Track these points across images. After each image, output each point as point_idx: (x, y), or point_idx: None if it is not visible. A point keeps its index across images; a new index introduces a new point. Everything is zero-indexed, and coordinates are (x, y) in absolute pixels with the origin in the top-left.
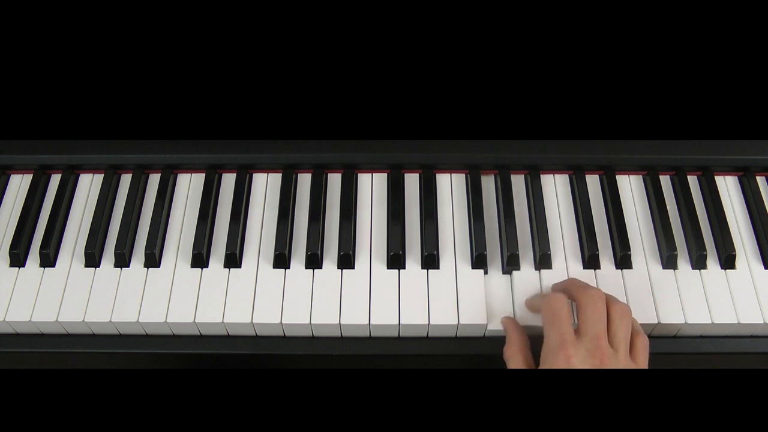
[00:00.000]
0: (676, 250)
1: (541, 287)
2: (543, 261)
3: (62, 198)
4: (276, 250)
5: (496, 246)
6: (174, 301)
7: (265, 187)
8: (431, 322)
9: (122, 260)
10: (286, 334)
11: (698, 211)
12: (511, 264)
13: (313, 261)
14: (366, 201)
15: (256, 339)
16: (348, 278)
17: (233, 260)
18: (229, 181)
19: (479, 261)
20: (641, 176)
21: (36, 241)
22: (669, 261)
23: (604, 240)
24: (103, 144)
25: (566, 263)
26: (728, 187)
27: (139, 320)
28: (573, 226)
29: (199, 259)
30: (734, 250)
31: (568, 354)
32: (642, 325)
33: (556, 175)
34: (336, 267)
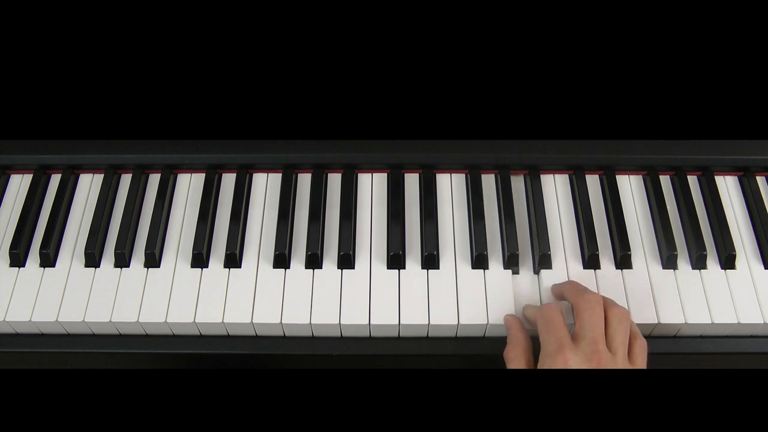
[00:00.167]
0: (676, 250)
1: (540, 287)
2: (543, 261)
3: (62, 198)
4: (276, 250)
5: (497, 246)
6: (174, 301)
7: (265, 187)
8: (431, 322)
9: (122, 260)
10: (286, 334)
11: (698, 211)
12: (511, 264)
13: (313, 261)
14: (366, 201)
15: (256, 339)
16: (348, 278)
17: (233, 260)
18: (229, 181)
19: (479, 261)
20: (641, 176)
21: (36, 241)
22: (669, 261)
23: (604, 240)
24: (103, 144)
25: (566, 263)
26: (728, 187)
27: (139, 320)
28: (573, 226)
29: (199, 259)
30: (734, 250)
31: (565, 358)
32: (642, 325)
33: (556, 175)
34: (336, 267)
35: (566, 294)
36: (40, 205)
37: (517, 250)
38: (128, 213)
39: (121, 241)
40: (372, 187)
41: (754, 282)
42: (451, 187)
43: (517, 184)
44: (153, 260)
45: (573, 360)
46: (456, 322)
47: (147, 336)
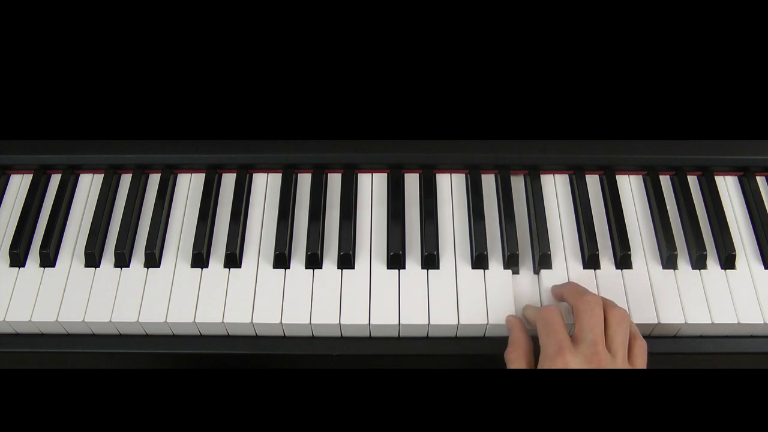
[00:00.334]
0: (676, 250)
1: (540, 287)
2: (543, 261)
3: (62, 198)
4: (276, 250)
5: (497, 246)
6: (174, 301)
7: (265, 187)
8: (431, 322)
9: (122, 260)
10: (286, 334)
11: (698, 211)
12: (510, 264)
13: (313, 261)
14: (366, 201)
15: (256, 339)
16: (348, 278)
17: (233, 260)
18: (229, 181)
19: (479, 261)
20: (641, 176)
21: (36, 241)
22: (669, 261)
23: (604, 240)
24: (103, 144)
25: (566, 263)
26: (728, 187)
27: (139, 320)
28: (573, 226)
29: (199, 259)
30: (734, 250)
31: (565, 360)
32: (642, 325)
33: (556, 175)
34: (336, 267)
35: (566, 295)
36: (40, 205)
37: (517, 250)
38: (128, 213)
39: (121, 241)
40: (372, 187)
41: (754, 282)
42: (451, 187)
43: (517, 184)
44: (153, 260)
45: (573, 362)
46: (456, 322)
47: (147, 336)
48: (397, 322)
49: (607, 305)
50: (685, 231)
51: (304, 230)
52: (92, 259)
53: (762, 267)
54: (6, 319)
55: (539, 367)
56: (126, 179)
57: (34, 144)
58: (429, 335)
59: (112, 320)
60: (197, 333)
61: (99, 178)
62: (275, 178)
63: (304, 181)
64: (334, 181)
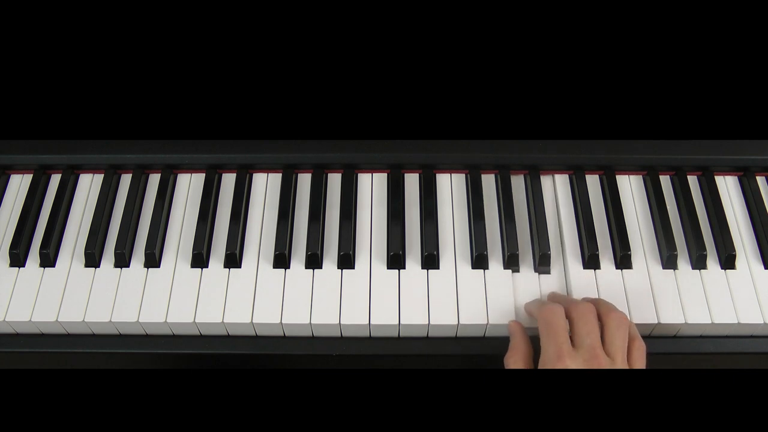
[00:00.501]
0: (676, 250)
1: (540, 287)
2: (543, 261)
3: (62, 198)
4: (276, 250)
5: (497, 246)
6: (174, 301)
7: (265, 187)
8: (431, 322)
9: (122, 260)
10: (286, 334)
11: (698, 211)
12: (511, 264)
13: (313, 261)
14: (366, 201)
15: (256, 339)
16: (348, 278)
17: (233, 260)
18: (229, 181)
19: (479, 261)
20: (641, 176)
21: (36, 241)
22: (669, 261)
23: (604, 240)
24: (103, 144)
25: (566, 263)
26: (728, 187)
27: (139, 320)
28: (573, 226)
29: (199, 259)
30: (734, 250)
31: (565, 365)
32: (642, 325)
33: (556, 175)
34: (336, 267)
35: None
36: (40, 205)
37: (517, 250)
38: (128, 213)
39: (121, 241)
40: (372, 187)
41: (754, 282)
42: (451, 187)
43: (517, 184)
44: (153, 260)
45: (572, 366)
46: (456, 322)
47: (147, 336)
48: (397, 322)
49: (604, 309)
50: (685, 231)
51: (304, 230)
52: (92, 259)
53: (762, 267)
54: (6, 319)
55: (539, 368)
56: (126, 179)
57: (34, 144)
58: (429, 335)
59: (112, 320)
60: (197, 333)
61: (99, 178)
62: (275, 178)
63: (304, 181)
64: (334, 181)
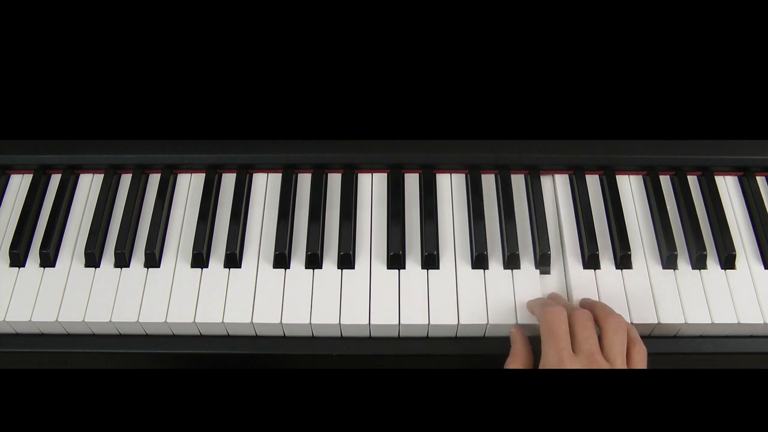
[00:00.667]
0: (676, 250)
1: (540, 287)
2: (543, 261)
3: (62, 198)
4: (276, 250)
5: (497, 246)
6: (174, 301)
7: (265, 187)
8: (431, 322)
9: (122, 260)
10: (286, 334)
11: (698, 211)
12: (511, 264)
13: (313, 261)
14: (366, 201)
15: (256, 339)
16: (348, 278)
17: (233, 260)
18: (229, 181)
19: (479, 261)
20: (641, 176)
21: (36, 241)
22: (669, 261)
23: (604, 240)
24: (103, 144)
25: (566, 263)
26: (728, 187)
27: (139, 320)
28: (573, 226)
29: (199, 259)
30: (734, 250)
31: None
32: (642, 325)
33: (556, 175)
34: (336, 267)
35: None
36: (40, 205)
37: (517, 250)
38: (128, 213)
39: (121, 241)
40: (372, 187)
41: (754, 282)
42: (451, 187)
43: (517, 184)
44: (153, 260)
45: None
46: (456, 322)
47: (147, 336)
48: (397, 322)
49: (602, 313)
50: (685, 231)
51: (304, 230)
52: (92, 259)
53: (762, 267)
54: (6, 319)
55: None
56: (126, 179)
57: (34, 144)
58: (429, 335)
59: (112, 320)
60: (197, 333)
61: (99, 178)
62: (275, 178)
63: (304, 181)
64: (334, 181)
